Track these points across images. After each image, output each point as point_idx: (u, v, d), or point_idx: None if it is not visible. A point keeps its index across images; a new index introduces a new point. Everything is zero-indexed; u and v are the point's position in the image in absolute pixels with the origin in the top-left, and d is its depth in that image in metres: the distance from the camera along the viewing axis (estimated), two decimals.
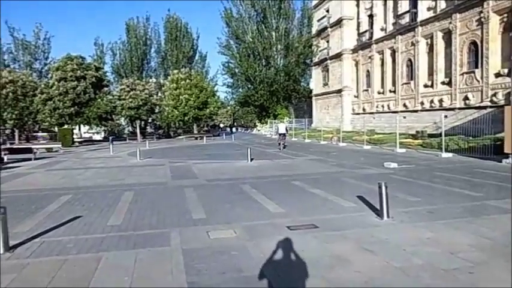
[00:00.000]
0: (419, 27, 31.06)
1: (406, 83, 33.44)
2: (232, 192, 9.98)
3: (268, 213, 7.58)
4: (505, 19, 23.56)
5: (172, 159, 20.41)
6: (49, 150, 29.81)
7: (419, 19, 30.97)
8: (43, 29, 58.74)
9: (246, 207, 8.05)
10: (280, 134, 26.83)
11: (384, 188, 6.78)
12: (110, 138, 36.22)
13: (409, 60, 33.03)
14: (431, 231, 6.03)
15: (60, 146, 29.71)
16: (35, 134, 55.00)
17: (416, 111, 31.60)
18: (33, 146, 27.03)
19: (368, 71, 40.11)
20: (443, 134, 18.89)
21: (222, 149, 27.73)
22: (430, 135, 25.11)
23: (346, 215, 7.23)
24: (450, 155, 17.88)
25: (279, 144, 25.85)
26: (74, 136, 46.05)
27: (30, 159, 21.37)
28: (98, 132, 70.42)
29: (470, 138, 20.28)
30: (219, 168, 15.47)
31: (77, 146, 37.00)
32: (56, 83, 40.67)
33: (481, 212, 7.20)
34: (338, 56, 45.04)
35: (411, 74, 32.79)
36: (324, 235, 5.98)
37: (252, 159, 17.72)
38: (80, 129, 47.85)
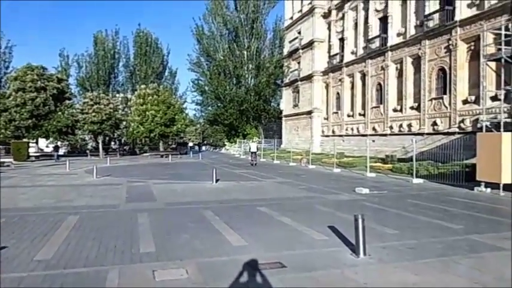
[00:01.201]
0: (389, 52, 31.33)
1: (375, 107, 33.51)
2: (192, 219, 8.94)
3: (229, 246, 6.60)
4: (472, 47, 23.90)
5: (132, 178, 19.10)
6: (0, 165, 27.68)
7: (389, 44, 31.24)
8: (4, 37, 56.31)
9: (204, 239, 7.05)
10: (252, 153, 30.49)
11: (360, 221, 5.97)
12: (55, 154, 34.24)
13: (379, 84, 33.19)
14: (415, 273, 5.23)
15: (11, 160, 27.62)
16: None
17: (385, 135, 31.57)
18: None
19: (338, 93, 40.14)
20: (414, 160, 18.54)
21: (187, 169, 26.54)
22: (400, 160, 24.93)
23: (317, 251, 6.36)
24: (421, 180, 17.49)
25: (252, 161, 29.58)
26: (32, 150, 43.63)
27: None
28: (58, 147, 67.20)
29: (440, 164, 20.10)
30: (180, 190, 14.36)
31: (33, 161, 34.76)
32: (13, 93, 38.52)
33: (465, 248, 6.49)
34: (309, 78, 45.05)
35: (381, 98, 32.90)
36: (291, 278, 5.06)
37: (217, 181, 16.71)
38: (37, 142, 45.26)
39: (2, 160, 27.75)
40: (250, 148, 31.50)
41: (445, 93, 25.76)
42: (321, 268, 5.45)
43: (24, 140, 38.41)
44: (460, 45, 24.37)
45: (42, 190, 14.25)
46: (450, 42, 24.93)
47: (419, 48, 27.87)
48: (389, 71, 31.53)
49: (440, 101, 26.06)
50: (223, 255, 6.05)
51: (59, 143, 45.93)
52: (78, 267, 5.45)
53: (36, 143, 45.21)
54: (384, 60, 32.10)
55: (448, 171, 17.73)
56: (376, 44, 33.13)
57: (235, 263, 5.60)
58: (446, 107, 25.49)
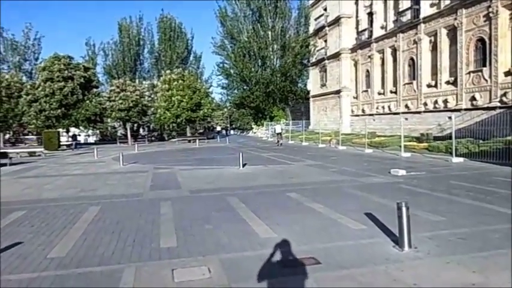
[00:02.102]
0: (422, 25, 29.61)
1: (408, 83, 31.98)
2: (217, 207, 8.41)
3: (256, 239, 6.01)
4: None
5: (158, 164, 18.82)
6: (31, 154, 28.17)
7: (421, 16, 29.53)
8: (33, 29, 57.32)
9: (229, 230, 6.49)
10: (277, 134, 34.72)
11: (404, 210, 5.23)
12: (74, 143, 34.42)
13: (411, 59, 31.58)
14: (473, 270, 4.48)
15: (42, 150, 28.01)
16: (24, 137, 53.33)
17: (419, 112, 30.12)
18: (11, 150, 25.45)
19: (368, 71, 38.65)
20: (453, 137, 17.34)
21: (214, 153, 26.15)
22: (436, 138, 23.61)
23: (355, 243, 5.68)
24: (461, 159, 16.37)
25: (277, 141, 33.10)
26: (64, 139, 44.46)
27: (5, 165, 19.69)
28: (88, 135, 68.62)
29: (480, 141, 18.82)
30: (206, 176, 13.89)
31: (64, 150, 35.30)
32: (42, 83, 39.08)
33: None
34: (336, 56, 43.56)
35: (413, 74, 31.34)
36: (327, 277, 4.42)
37: (244, 165, 16.18)
38: (68, 131, 46.05)
39: (32, 150, 28.21)
40: (275, 130, 36.11)
41: (484, 65, 24.13)
42: (360, 264, 4.78)
43: (55, 129, 38.99)
44: (502, 12, 22.65)
45: (67, 179, 14.09)
46: (490, 9, 23.18)
47: (455, 19, 26.13)
48: (422, 45, 29.91)
49: (480, 73, 24.44)
50: (249, 250, 5.48)
51: (84, 133, 46.40)
52: (92, 266, 4.99)
53: (67, 131, 45.97)
54: (416, 34, 30.44)
55: (491, 149, 16.51)
56: (408, 16, 31.41)
57: (262, 259, 5.02)
58: (486, 80, 23.89)
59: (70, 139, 45.03)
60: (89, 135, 70.91)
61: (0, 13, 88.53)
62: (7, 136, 55.89)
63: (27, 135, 54.50)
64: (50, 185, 12.74)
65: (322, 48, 47.67)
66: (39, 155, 27.30)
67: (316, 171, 14.68)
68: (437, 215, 7.10)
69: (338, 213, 7.45)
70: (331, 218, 7.15)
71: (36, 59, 56.48)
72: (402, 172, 12.63)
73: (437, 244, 5.49)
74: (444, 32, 27.68)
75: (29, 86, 40.59)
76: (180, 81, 44.14)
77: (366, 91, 38.94)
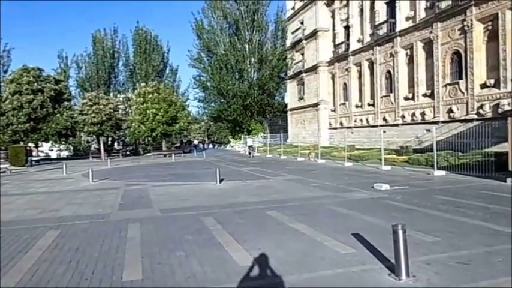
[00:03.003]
0: (398, 38, 29.81)
1: (385, 96, 32.03)
2: (190, 229, 7.65)
3: (234, 267, 5.30)
4: (489, 27, 22.38)
5: (130, 180, 17.84)
6: None
7: (398, 29, 29.73)
8: (2, 41, 55.27)
9: (204, 258, 5.75)
10: (249, 146, 38.98)
11: (401, 233, 4.65)
12: (29, 159, 32.33)
13: (388, 71, 31.70)
14: None
15: (7, 166, 26.45)
16: None
17: (397, 125, 30.11)
18: None
19: (345, 83, 38.69)
20: (434, 150, 17.12)
21: (191, 168, 25.27)
22: (415, 150, 23.48)
23: (345, 271, 5.03)
24: (443, 172, 16.11)
25: (249, 154, 36.62)
26: (34, 154, 42.56)
27: None
28: (60, 150, 66.48)
29: (460, 153, 18.70)
30: (181, 193, 13.07)
31: (31, 166, 33.62)
32: (9, 96, 37.35)
33: None
34: (313, 69, 43.58)
35: (391, 86, 31.42)
36: None
37: (221, 180, 15.45)
38: (37, 146, 44.16)
39: None
40: (247, 143, 41.38)
41: (460, 78, 24.30)
42: None
43: (23, 144, 37.26)
44: (476, 26, 22.87)
45: (30, 199, 13.01)
46: (465, 23, 23.41)
47: (431, 32, 26.35)
48: (399, 58, 30.05)
49: (456, 86, 24.58)
50: (225, 282, 4.75)
51: (55, 147, 44.20)
52: None
53: (36, 147, 44.07)
54: (392, 47, 30.60)
55: (471, 161, 16.32)
56: (384, 30, 31.64)
57: None
58: (463, 93, 24.02)
59: (39, 154, 43.17)
60: (60, 150, 68.69)
61: None
62: None
63: None
64: (10, 205, 11.66)
65: (299, 61, 47.69)
66: (4, 172, 25.76)
67: (297, 186, 14.08)
68: (430, 235, 6.55)
69: (323, 235, 6.82)
70: (317, 241, 6.50)
71: (5, 72, 54.38)
72: (386, 186, 12.16)
73: (437, 271, 4.90)
74: (420, 45, 27.89)
75: None
76: (156, 94, 43.08)
77: (344, 104, 38.89)
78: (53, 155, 67.80)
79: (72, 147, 65.69)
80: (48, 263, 5.76)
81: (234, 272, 5.12)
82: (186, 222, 8.38)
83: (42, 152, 69.38)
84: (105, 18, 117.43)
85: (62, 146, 64.67)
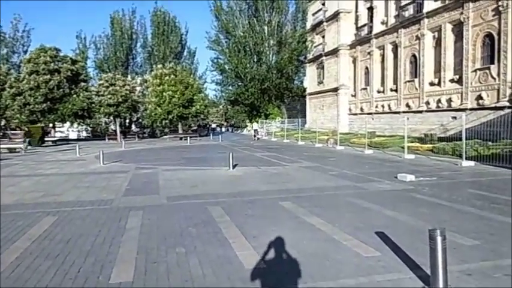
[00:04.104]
0: (426, 19, 28.28)
1: (409, 81, 30.67)
2: (195, 220, 6.98)
3: (239, 270, 4.59)
4: None
5: (141, 163, 17.33)
6: (11, 150, 26.51)
7: (425, 10, 28.20)
8: (22, 21, 55.42)
9: (205, 256, 5.07)
10: (255, 130, 42.25)
11: (439, 240, 3.84)
12: (27, 140, 29.73)
13: (413, 55, 30.26)
14: None
15: (21, 146, 26.33)
16: (11, 131, 51.35)
17: (420, 111, 28.81)
18: None
19: (367, 68, 37.33)
20: (463, 138, 16.01)
21: (205, 152, 24.71)
22: (440, 139, 22.31)
23: (369, 280, 4.27)
24: (472, 163, 15.03)
25: (254, 136, 40.19)
26: (52, 134, 42.70)
27: None
28: (79, 131, 66.94)
29: (489, 143, 17.54)
30: (191, 178, 12.44)
31: (47, 146, 33.63)
32: (27, 76, 37.31)
33: None
34: (334, 52, 42.21)
35: (415, 71, 30.04)
36: None
37: (235, 166, 14.76)
38: (54, 127, 44.23)
39: (12, 146, 26.56)
40: (253, 127, 44.31)
41: (492, 62, 22.85)
42: None
43: (40, 124, 37.33)
44: None
45: (36, 181, 12.59)
46: (500, 3, 21.84)
47: (462, 13, 24.82)
48: (425, 41, 28.59)
49: (487, 71, 23.15)
50: None
51: (73, 128, 44.15)
52: None
53: (53, 127, 44.18)
54: (419, 29, 29.11)
55: (503, 152, 15.21)
56: (410, 11, 30.12)
57: None
58: (494, 78, 22.60)
59: (55, 135, 43.19)
60: (79, 131, 69.13)
61: None
62: None
63: (15, 129, 52.62)
64: (13, 187, 11.24)
65: (319, 44, 46.32)
66: (18, 151, 25.69)
67: (314, 174, 13.28)
68: (468, 237, 5.70)
69: (343, 232, 6.06)
70: (335, 240, 5.74)
71: (25, 52, 54.52)
72: (410, 177, 11.25)
73: (480, 283, 4.10)
74: (449, 27, 26.37)
75: (13, 79, 38.78)
76: (172, 76, 42.55)
77: (365, 89, 37.63)
78: (73, 135, 68.41)
79: (90, 129, 65.93)
80: (33, 257, 5.16)
81: (238, 276, 4.42)
82: (192, 212, 7.72)
83: (62, 132, 70.23)
84: None
85: (80, 127, 64.96)
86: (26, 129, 33.66)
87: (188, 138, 37.20)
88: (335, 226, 6.43)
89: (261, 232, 6.13)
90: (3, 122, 53.24)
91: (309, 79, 50.45)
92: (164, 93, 41.33)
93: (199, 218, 7.15)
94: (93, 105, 41.39)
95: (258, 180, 11.84)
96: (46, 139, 35.81)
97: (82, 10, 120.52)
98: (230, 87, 58.64)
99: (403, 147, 19.82)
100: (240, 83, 55.17)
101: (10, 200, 9.31)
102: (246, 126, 62.85)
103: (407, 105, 30.74)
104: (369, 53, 36.51)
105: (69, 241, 5.87)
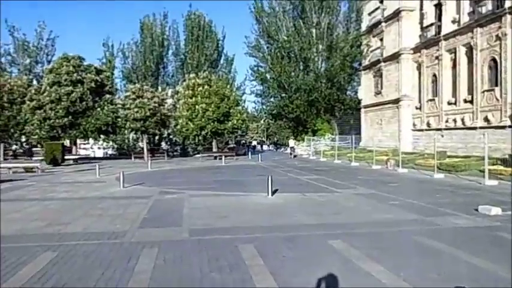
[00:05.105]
0: (508, 16, 26.81)
1: (488, 90, 29.10)
2: (221, 262, 6.42)
3: None
4: None
5: (167, 187, 17.12)
6: (27, 170, 27.37)
7: (507, 5, 26.77)
8: (47, 29, 58.24)
9: None
10: (291, 147, 47.11)
11: None
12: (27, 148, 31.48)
13: (493, 59, 28.74)
14: None
15: (38, 165, 27.11)
16: (33, 148, 53.51)
17: (503, 127, 27.09)
18: (3, 165, 24.71)
19: (434, 75, 35.96)
20: None
21: (241, 174, 24.36)
22: None
23: None
24: None
25: (291, 154, 44.62)
26: (74, 151, 44.13)
27: None
28: (104, 149, 69.12)
29: None
30: (221, 207, 11.98)
31: (68, 165, 34.57)
32: (48, 88, 38.86)
33: None
34: (395, 57, 41.09)
35: (495, 78, 28.46)
36: None
37: (274, 192, 14.17)
38: (75, 143, 45.72)
39: (28, 165, 27.43)
40: (289, 144, 48.78)
41: None
42: None
43: (60, 140, 38.56)
44: None
45: (44, 206, 12.57)
46: None
47: None
48: (507, 42, 27.06)
49: None
50: None
51: (97, 145, 45.26)
52: None
53: (75, 144, 45.66)
54: (500, 28, 27.66)
55: None
56: (489, 6, 28.75)
57: None
58: None
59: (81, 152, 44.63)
60: (104, 148, 71.26)
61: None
62: (14, 147, 56.69)
63: (36, 146, 54.86)
64: (18, 214, 11.24)
65: (377, 49, 45.31)
66: (34, 171, 26.42)
67: (371, 204, 12.43)
68: None
69: (410, 286, 5.25)
70: None
71: (49, 62, 57.16)
72: (496, 210, 10.20)
73: None
74: None
75: (33, 91, 40.49)
76: (206, 87, 42.89)
77: (432, 100, 36.20)
78: (99, 153, 70.58)
79: (115, 146, 67.67)
80: None
81: None
82: (218, 250, 7.16)
83: (86, 149, 72.69)
84: (156, 2, 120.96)
85: (105, 144, 66.89)
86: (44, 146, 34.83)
87: (223, 157, 37.11)
88: (399, 276, 5.64)
89: (301, 282, 5.46)
90: (23, 138, 55.86)
91: (365, 89, 49.37)
92: (197, 106, 41.67)
93: (225, 260, 6.58)
94: (118, 119, 42.32)
95: (302, 211, 11.18)
96: (66, 157, 36.81)
97: (109, 15, 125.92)
98: (272, 99, 58.69)
99: (482, 171, 18.58)
100: (283, 94, 55.05)
101: (10, 229, 9.17)
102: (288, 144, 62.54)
103: (486, 120, 29.13)
104: (436, 58, 35.22)
105: (63, 286, 5.45)
